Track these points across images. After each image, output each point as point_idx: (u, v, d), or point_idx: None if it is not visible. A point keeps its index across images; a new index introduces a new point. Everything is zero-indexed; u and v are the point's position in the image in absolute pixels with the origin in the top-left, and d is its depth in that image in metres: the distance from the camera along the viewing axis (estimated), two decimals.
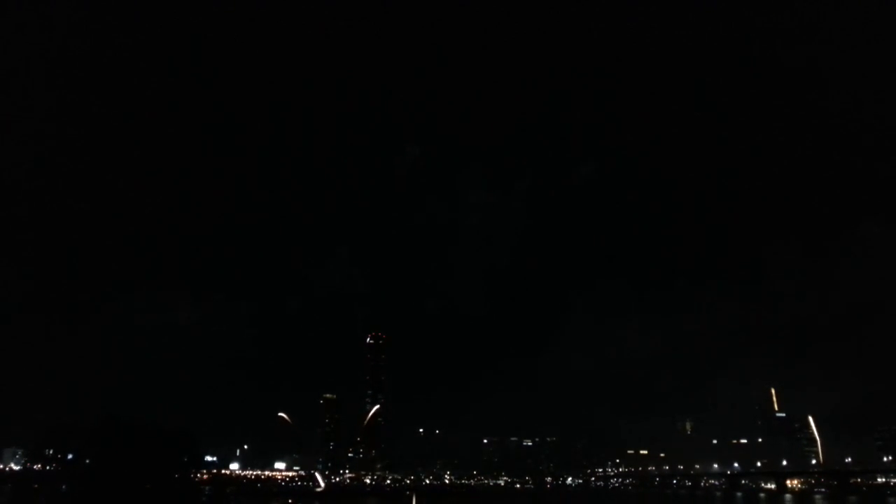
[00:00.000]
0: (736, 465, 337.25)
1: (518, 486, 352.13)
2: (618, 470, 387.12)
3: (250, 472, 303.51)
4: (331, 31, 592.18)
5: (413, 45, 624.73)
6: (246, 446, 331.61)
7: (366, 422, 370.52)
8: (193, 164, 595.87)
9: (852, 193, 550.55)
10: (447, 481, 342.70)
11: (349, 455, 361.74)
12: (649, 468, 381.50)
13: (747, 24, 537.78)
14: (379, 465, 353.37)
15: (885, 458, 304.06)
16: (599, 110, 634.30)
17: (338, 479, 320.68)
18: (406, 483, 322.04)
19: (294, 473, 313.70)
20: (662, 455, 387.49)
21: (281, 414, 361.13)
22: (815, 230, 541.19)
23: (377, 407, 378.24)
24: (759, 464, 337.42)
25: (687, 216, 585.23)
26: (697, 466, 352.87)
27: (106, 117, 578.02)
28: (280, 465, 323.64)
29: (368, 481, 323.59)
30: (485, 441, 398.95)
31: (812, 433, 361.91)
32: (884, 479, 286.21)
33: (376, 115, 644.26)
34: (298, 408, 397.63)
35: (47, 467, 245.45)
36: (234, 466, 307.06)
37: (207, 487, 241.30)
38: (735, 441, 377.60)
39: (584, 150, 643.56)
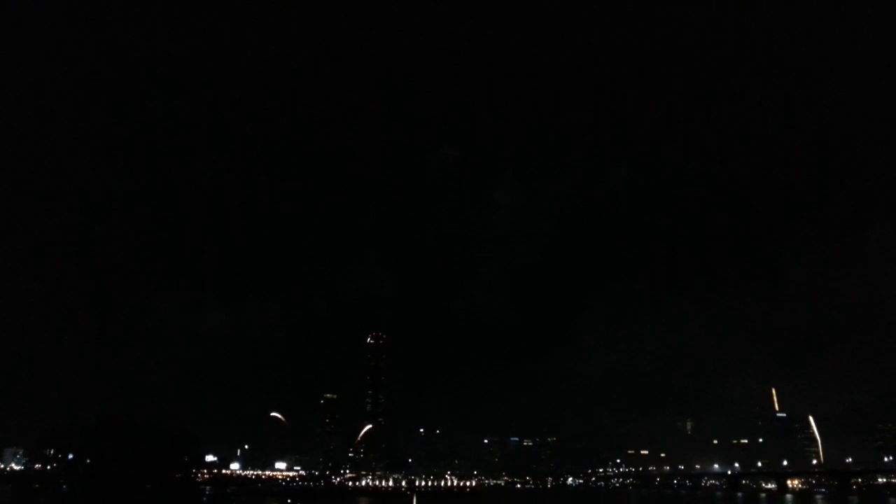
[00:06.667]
0: (736, 465, 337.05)
1: (519, 485, 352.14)
2: (618, 470, 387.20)
3: (251, 472, 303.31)
4: (369, 33, 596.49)
5: (450, 47, 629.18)
6: (247, 446, 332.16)
7: (360, 435, 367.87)
8: (220, 167, 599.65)
9: (867, 197, 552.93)
10: (448, 481, 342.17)
11: (349, 455, 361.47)
12: (650, 468, 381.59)
13: (771, 32, 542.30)
14: (379, 466, 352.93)
15: (885, 459, 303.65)
16: (632, 116, 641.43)
17: (338, 479, 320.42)
18: (406, 483, 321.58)
19: (294, 473, 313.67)
20: (663, 455, 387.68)
21: (274, 414, 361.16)
22: (831, 234, 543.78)
23: (371, 426, 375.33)
24: (759, 464, 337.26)
25: (705, 220, 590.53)
26: (698, 466, 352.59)
27: (130, 122, 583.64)
28: (280, 465, 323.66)
29: (369, 481, 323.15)
30: (486, 441, 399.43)
31: (813, 433, 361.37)
32: (884, 480, 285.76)
33: (410, 117, 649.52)
34: (299, 408, 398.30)
35: (48, 467, 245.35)
36: (235, 466, 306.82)
37: (208, 487, 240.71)
38: (736, 441, 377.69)
39: (617, 155, 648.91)
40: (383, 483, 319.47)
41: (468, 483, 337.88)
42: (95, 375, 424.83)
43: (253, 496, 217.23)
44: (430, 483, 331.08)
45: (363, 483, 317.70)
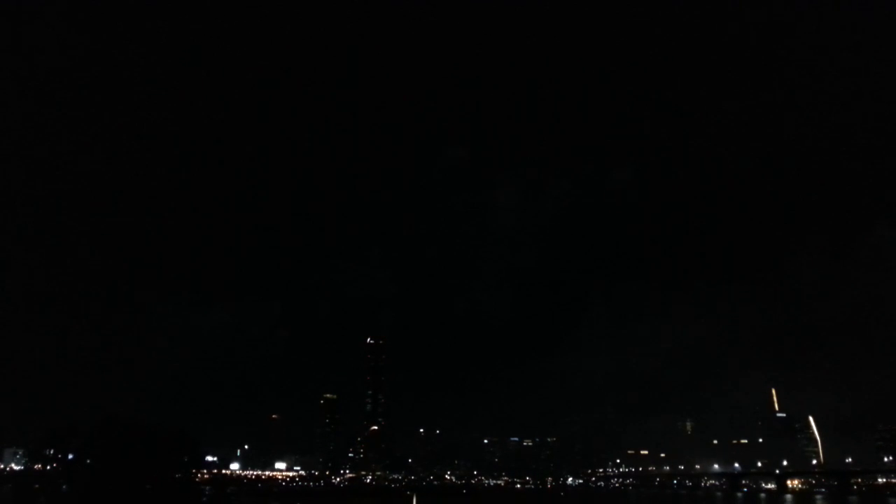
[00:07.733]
0: (736, 465, 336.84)
1: (518, 485, 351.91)
2: (618, 470, 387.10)
3: (251, 472, 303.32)
4: (374, 36, 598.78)
5: (452, 48, 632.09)
6: (247, 446, 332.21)
7: (366, 435, 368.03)
8: (221, 167, 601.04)
9: (867, 197, 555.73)
10: (448, 481, 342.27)
11: (349, 455, 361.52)
12: (650, 468, 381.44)
13: (773, 33, 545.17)
14: (379, 466, 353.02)
15: (885, 459, 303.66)
16: (633, 116, 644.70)
17: (338, 478, 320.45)
18: (406, 483, 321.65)
19: (294, 473, 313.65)
20: (663, 455, 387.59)
21: (274, 416, 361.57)
22: (831, 234, 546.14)
23: (375, 427, 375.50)
24: (759, 464, 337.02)
25: (706, 221, 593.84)
26: (698, 467, 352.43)
27: (138, 127, 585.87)
28: (280, 465, 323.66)
29: (369, 481, 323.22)
30: (485, 441, 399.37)
31: (812, 433, 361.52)
32: (884, 480, 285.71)
33: (413, 118, 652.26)
34: (299, 408, 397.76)
35: (48, 467, 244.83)
36: (235, 466, 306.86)
37: (208, 487, 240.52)
38: (735, 441, 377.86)
39: (618, 156, 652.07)
40: (384, 482, 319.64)
41: (468, 482, 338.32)
42: (95, 375, 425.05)
43: (253, 496, 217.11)
44: (430, 482, 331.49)
45: (363, 483, 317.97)
